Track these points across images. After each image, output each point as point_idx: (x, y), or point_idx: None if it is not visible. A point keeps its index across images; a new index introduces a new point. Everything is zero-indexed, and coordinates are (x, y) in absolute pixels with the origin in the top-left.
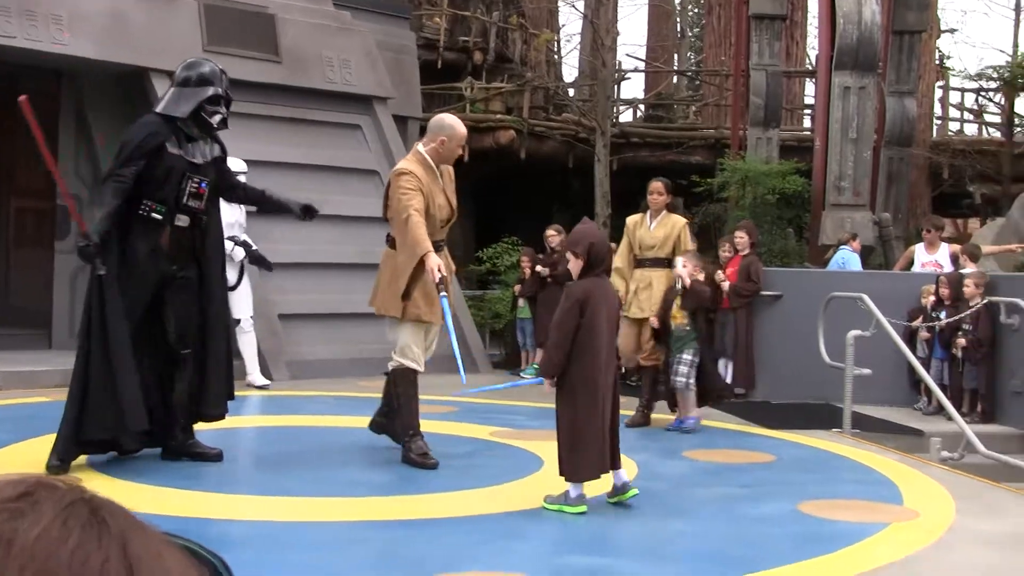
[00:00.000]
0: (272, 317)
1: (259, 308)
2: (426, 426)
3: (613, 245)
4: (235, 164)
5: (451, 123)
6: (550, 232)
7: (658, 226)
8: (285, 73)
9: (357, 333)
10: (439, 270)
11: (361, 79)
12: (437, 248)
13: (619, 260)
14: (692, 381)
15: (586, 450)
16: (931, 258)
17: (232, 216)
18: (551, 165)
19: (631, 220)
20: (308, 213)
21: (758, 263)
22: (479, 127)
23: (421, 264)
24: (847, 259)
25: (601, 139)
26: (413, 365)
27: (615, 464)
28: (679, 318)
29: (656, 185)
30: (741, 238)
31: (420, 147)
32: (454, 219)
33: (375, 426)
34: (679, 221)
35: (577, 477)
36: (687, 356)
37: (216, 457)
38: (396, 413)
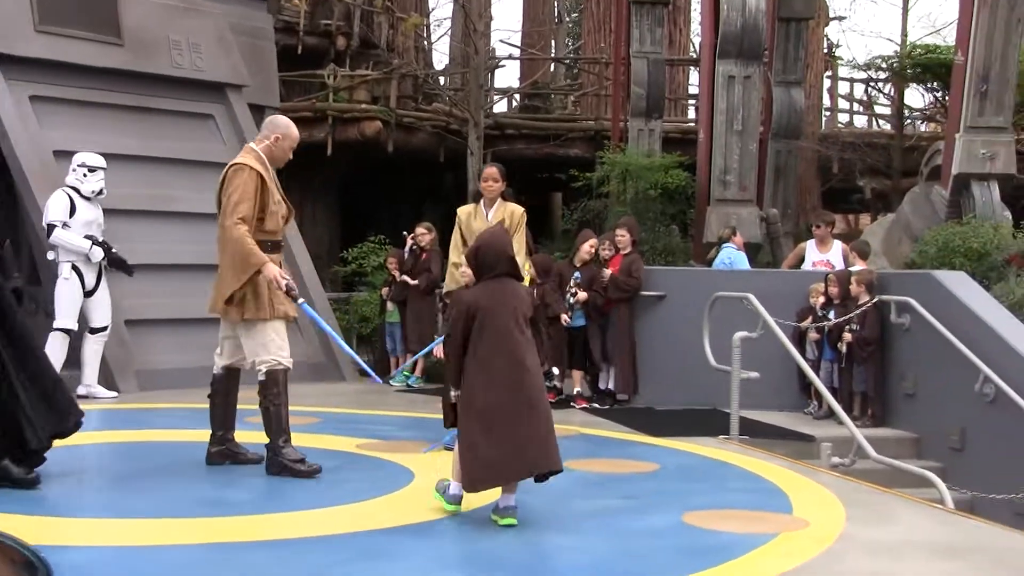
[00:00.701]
0: (118, 323)
1: None
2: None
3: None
4: (92, 159)
5: (286, 123)
6: (420, 230)
7: (495, 215)
8: (128, 57)
9: (213, 339)
10: (281, 277)
11: (213, 65)
12: (277, 248)
13: (453, 255)
14: None
15: (473, 460)
16: (823, 256)
17: (91, 214)
18: (421, 158)
19: (463, 211)
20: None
21: (640, 261)
22: (343, 117)
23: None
24: (734, 258)
25: (474, 131)
26: (288, 363)
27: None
28: None
29: (490, 171)
30: (622, 236)
31: (253, 145)
32: (291, 217)
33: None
34: (517, 209)
35: (464, 483)
36: None
37: (30, 483)
38: (264, 419)
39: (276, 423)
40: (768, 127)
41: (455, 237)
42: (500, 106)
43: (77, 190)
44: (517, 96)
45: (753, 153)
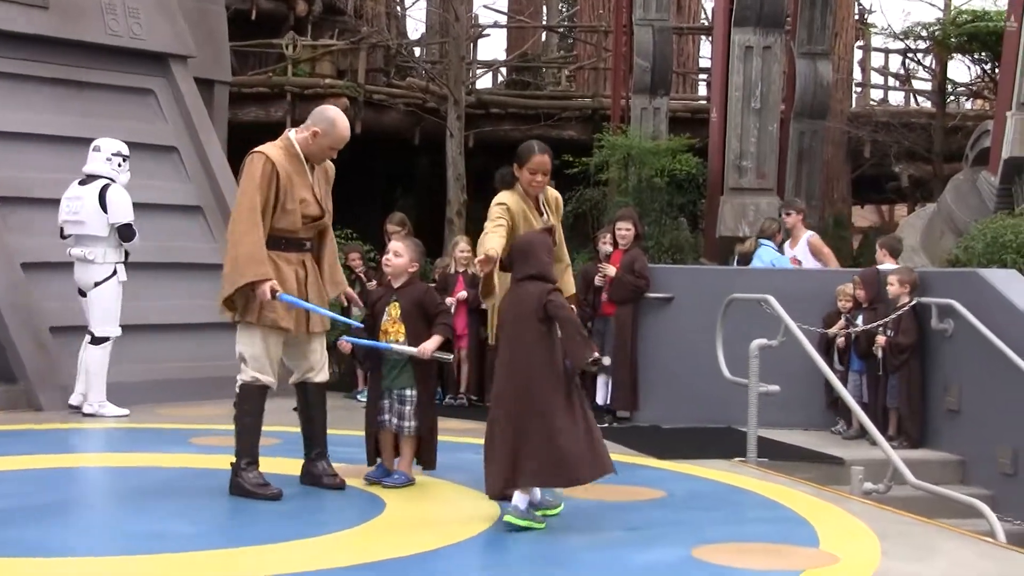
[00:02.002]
0: (41, 330)
1: (25, 318)
2: None
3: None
4: (124, 146)
5: (332, 117)
6: (392, 227)
7: (547, 211)
8: (55, 23)
9: (154, 349)
10: (271, 297)
11: (154, 32)
12: (300, 246)
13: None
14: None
15: (488, 464)
16: (790, 252)
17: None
18: (393, 141)
19: (514, 203)
20: None
21: (644, 258)
22: (304, 94)
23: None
24: (776, 258)
25: (454, 109)
26: (265, 379)
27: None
28: (394, 329)
29: (543, 161)
30: (626, 229)
31: (291, 133)
32: (325, 220)
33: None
34: (559, 197)
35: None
36: (410, 393)
37: None
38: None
39: (239, 441)
40: (790, 105)
41: (503, 231)
42: (484, 81)
43: (113, 181)
44: (503, 70)
45: (773, 135)
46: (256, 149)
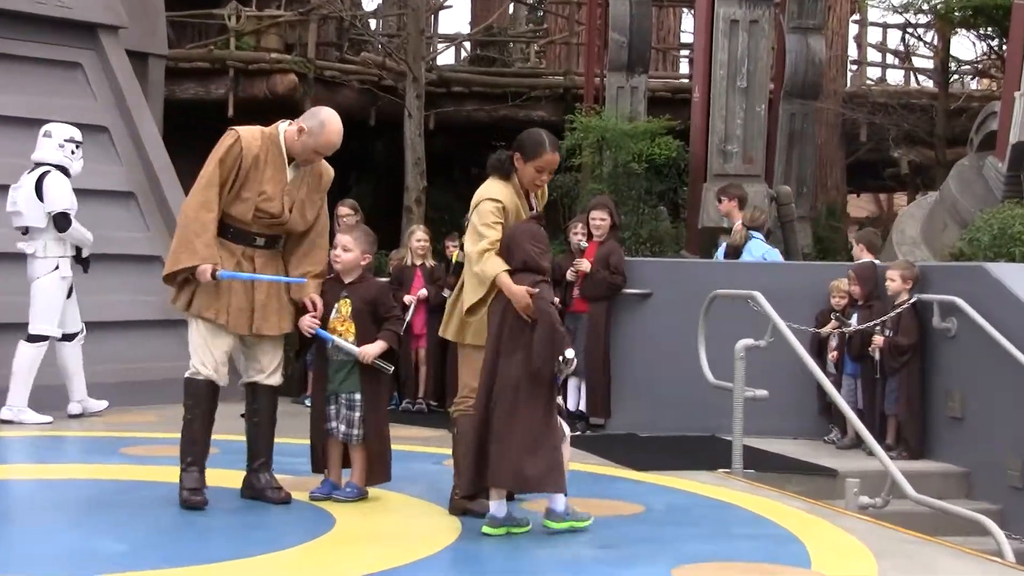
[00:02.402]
0: None
1: None
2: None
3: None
4: (77, 132)
5: (324, 119)
6: (343, 210)
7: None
8: None
9: (83, 350)
10: (211, 277)
11: (82, 1)
12: (249, 240)
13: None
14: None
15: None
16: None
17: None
18: (346, 121)
19: (508, 198)
20: None
21: (620, 251)
22: (248, 70)
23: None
24: (767, 251)
25: (413, 87)
26: (206, 372)
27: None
28: (342, 327)
29: (554, 160)
30: (600, 219)
31: (283, 124)
32: (285, 222)
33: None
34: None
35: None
36: (358, 398)
37: None
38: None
39: (181, 440)
40: (780, 84)
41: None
42: (446, 57)
43: (65, 169)
44: (467, 45)
45: (761, 116)
46: (235, 127)
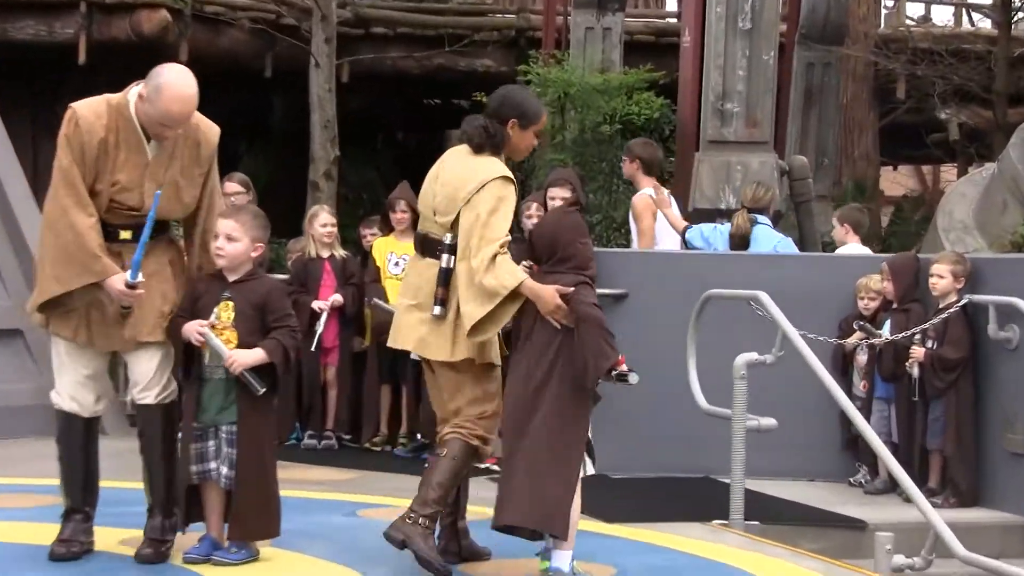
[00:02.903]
0: None
1: None
2: None
3: None
4: None
5: (164, 81)
6: (230, 187)
7: None
8: None
9: None
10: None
11: None
12: (112, 236)
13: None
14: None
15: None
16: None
17: None
18: (235, 72)
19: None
20: None
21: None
22: (105, 4)
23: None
24: (780, 241)
25: (322, 29)
26: (62, 404)
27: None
28: (222, 339)
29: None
30: (561, 199)
31: (135, 88)
32: (142, 210)
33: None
34: None
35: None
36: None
37: None
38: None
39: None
40: (794, 26)
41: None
42: None
43: None
44: None
45: (770, 67)
46: (74, 104)
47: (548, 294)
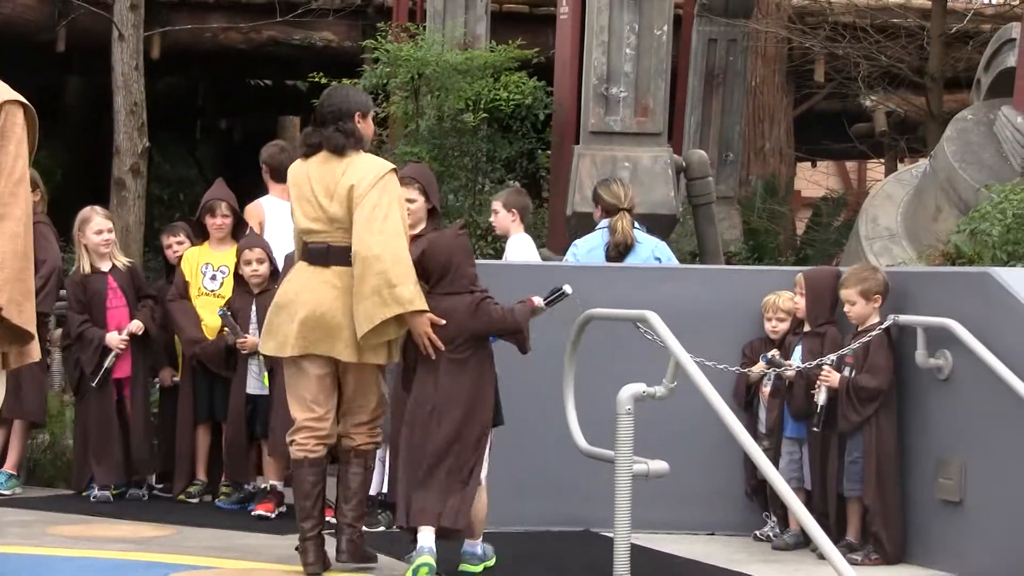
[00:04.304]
0: None
1: None
2: None
3: None
4: None
5: None
6: None
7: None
8: None
9: None
10: None
11: None
12: None
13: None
14: None
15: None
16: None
17: None
18: (20, 45)
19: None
20: None
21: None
22: None
23: None
24: (658, 248)
25: None
26: None
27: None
28: None
29: None
30: (408, 201)
31: None
32: None
33: None
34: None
35: None
36: None
37: None
38: None
39: None
40: None
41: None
42: None
43: None
44: None
45: (663, 44)
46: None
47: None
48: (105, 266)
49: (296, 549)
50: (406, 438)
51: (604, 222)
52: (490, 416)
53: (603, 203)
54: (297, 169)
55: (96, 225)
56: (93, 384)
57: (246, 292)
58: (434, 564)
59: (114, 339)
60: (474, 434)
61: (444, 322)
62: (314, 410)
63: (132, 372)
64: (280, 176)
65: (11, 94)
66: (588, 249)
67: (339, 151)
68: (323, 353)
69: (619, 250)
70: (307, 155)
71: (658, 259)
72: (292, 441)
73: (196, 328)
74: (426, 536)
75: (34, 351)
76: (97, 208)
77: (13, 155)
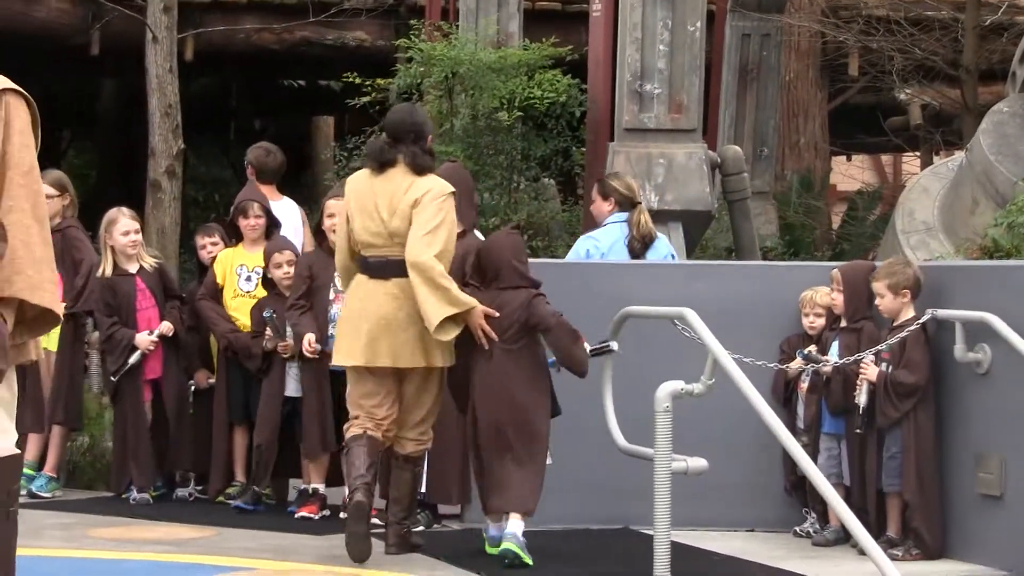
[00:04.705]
0: None
1: None
2: None
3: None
4: None
5: None
6: (45, 191)
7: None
8: None
9: None
10: None
11: None
12: None
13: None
14: None
15: None
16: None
17: None
18: (55, 49)
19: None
20: None
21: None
22: None
23: None
24: (665, 242)
25: None
26: None
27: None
28: None
29: None
30: None
31: None
32: None
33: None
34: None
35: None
36: None
37: None
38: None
39: None
40: None
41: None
42: None
43: None
44: None
45: (697, 40)
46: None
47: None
48: (133, 268)
49: (344, 508)
50: (475, 428)
51: (619, 215)
52: (548, 403)
53: (617, 196)
54: (361, 183)
55: (123, 226)
56: (114, 379)
57: (277, 295)
58: (520, 553)
59: (144, 340)
60: (541, 420)
61: (497, 314)
62: (375, 414)
63: (164, 373)
64: (265, 177)
65: (9, 84)
66: (610, 244)
67: (422, 171)
68: (387, 364)
69: (644, 243)
70: (378, 171)
71: (672, 255)
72: (349, 427)
73: (227, 320)
74: (515, 524)
75: (31, 350)
76: (124, 209)
77: (18, 145)
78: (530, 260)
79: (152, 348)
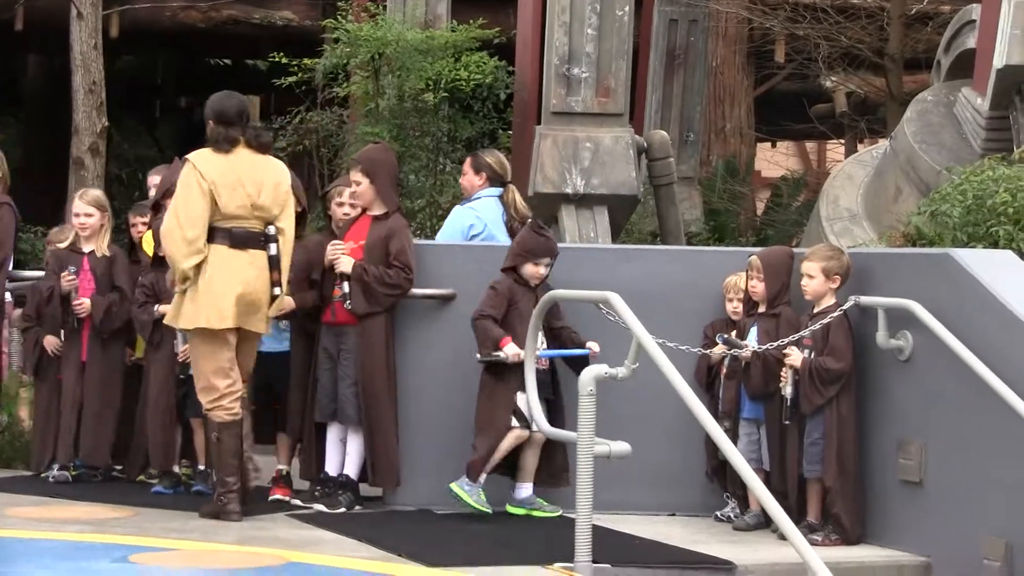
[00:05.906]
0: None
1: None
2: None
3: None
4: None
5: None
6: None
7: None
8: None
9: None
10: None
11: None
12: None
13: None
14: None
15: None
16: None
17: None
18: None
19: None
20: None
21: (406, 232)
22: None
23: None
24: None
25: None
26: None
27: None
28: None
29: None
30: (355, 182)
31: None
32: None
33: None
34: None
35: None
36: None
37: None
38: None
39: None
40: None
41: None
42: None
43: None
44: None
45: (625, 24)
46: None
47: None
48: (87, 248)
49: (219, 502)
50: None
51: (491, 191)
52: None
53: (488, 171)
54: (220, 162)
55: (76, 208)
56: (75, 326)
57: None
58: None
59: (80, 304)
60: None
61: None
62: (231, 376)
63: (88, 355)
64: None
65: None
66: (490, 219)
67: (265, 149)
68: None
69: (523, 223)
70: (228, 152)
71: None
72: (219, 406)
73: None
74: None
75: None
76: (90, 191)
77: None
78: (454, 243)
79: (68, 287)
